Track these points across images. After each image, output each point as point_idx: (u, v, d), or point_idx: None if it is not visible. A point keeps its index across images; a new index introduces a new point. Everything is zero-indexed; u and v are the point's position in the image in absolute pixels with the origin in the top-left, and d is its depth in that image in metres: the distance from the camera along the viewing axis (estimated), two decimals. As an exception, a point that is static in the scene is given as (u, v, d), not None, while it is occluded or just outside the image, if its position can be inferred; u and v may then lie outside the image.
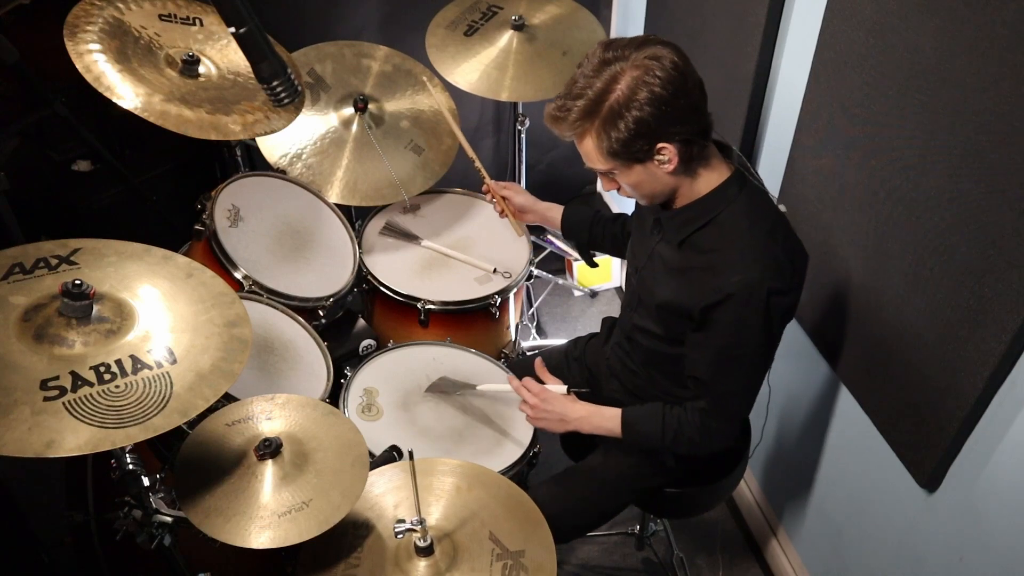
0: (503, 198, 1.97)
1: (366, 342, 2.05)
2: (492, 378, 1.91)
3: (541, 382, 1.69)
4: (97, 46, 1.70)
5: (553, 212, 1.96)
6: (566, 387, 1.66)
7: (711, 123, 1.38)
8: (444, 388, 1.85)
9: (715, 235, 1.41)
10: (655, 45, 1.30)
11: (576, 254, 2.24)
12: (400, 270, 2.15)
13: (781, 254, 1.39)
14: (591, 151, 1.36)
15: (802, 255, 1.46)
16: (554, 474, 1.77)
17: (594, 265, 2.05)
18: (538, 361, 1.75)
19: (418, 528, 1.27)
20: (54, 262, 1.24)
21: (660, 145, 1.32)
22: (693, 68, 1.32)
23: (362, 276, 2.13)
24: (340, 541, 1.34)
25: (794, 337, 1.92)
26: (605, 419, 1.61)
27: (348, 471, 1.31)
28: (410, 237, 2.25)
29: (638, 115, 1.28)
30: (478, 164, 2.01)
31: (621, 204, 3.13)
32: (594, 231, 1.92)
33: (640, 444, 1.61)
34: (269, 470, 1.28)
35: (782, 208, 1.47)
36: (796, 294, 1.44)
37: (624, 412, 1.59)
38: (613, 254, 1.95)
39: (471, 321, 2.14)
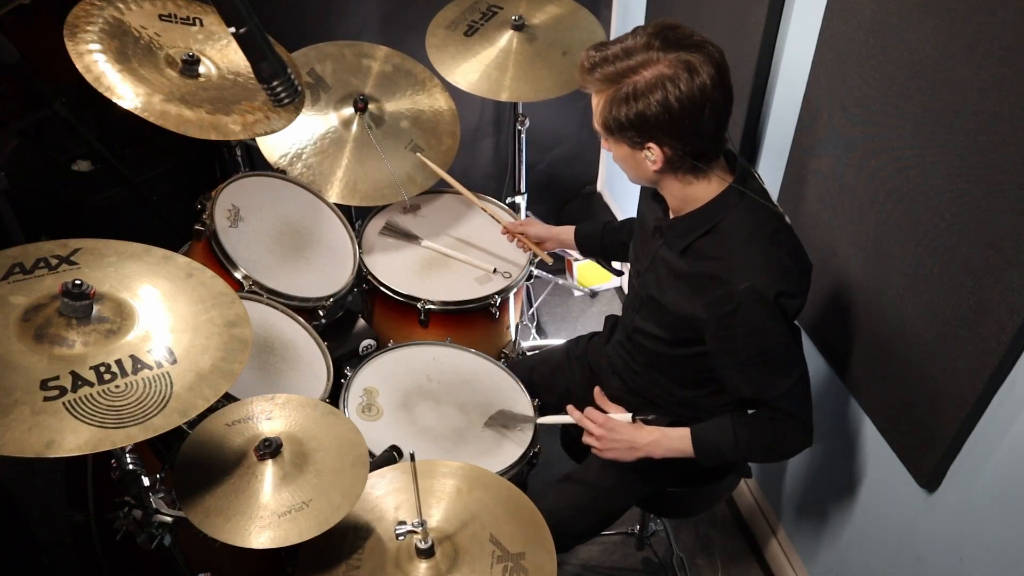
0: (522, 234, 2.03)
1: (366, 342, 2.05)
2: (492, 377, 1.91)
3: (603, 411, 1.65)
4: (97, 46, 1.70)
5: (567, 235, 1.99)
6: (631, 415, 1.62)
7: (718, 148, 1.38)
8: (503, 422, 1.82)
9: (717, 242, 1.41)
10: (703, 55, 1.28)
11: (576, 254, 2.25)
12: (400, 270, 2.15)
13: (786, 258, 1.39)
14: (597, 111, 1.38)
15: (806, 262, 1.45)
16: (557, 481, 1.74)
17: (619, 274, 2.06)
18: (597, 390, 1.71)
19: (419, 530, 1.27)
20: (54, 262, 1.24)
21: (649, 144, 1.34)
22: (724, 95, 1.30)
23: (362, 276, 2.13)
24: (341, 542, 1.34)
25: (794, 337, 1.92)
26: (674, 440, 1.56)
27: (348, 471, 1.31)
28: (410, 237, 2.25)
29: (642, 110, 1.29)
30: (489, 212, 2.10)
31: (622, 206, 3.13)
32: (606, 243, 1.93)
33: (714, 459, 1.55)
34: (269, 470, 1.28)
35: (787, 219, 1.46)
36: (803, 298, 1.43)
37: (693, 429, 1.55)
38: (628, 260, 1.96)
39: (471, 321, 2.14)
